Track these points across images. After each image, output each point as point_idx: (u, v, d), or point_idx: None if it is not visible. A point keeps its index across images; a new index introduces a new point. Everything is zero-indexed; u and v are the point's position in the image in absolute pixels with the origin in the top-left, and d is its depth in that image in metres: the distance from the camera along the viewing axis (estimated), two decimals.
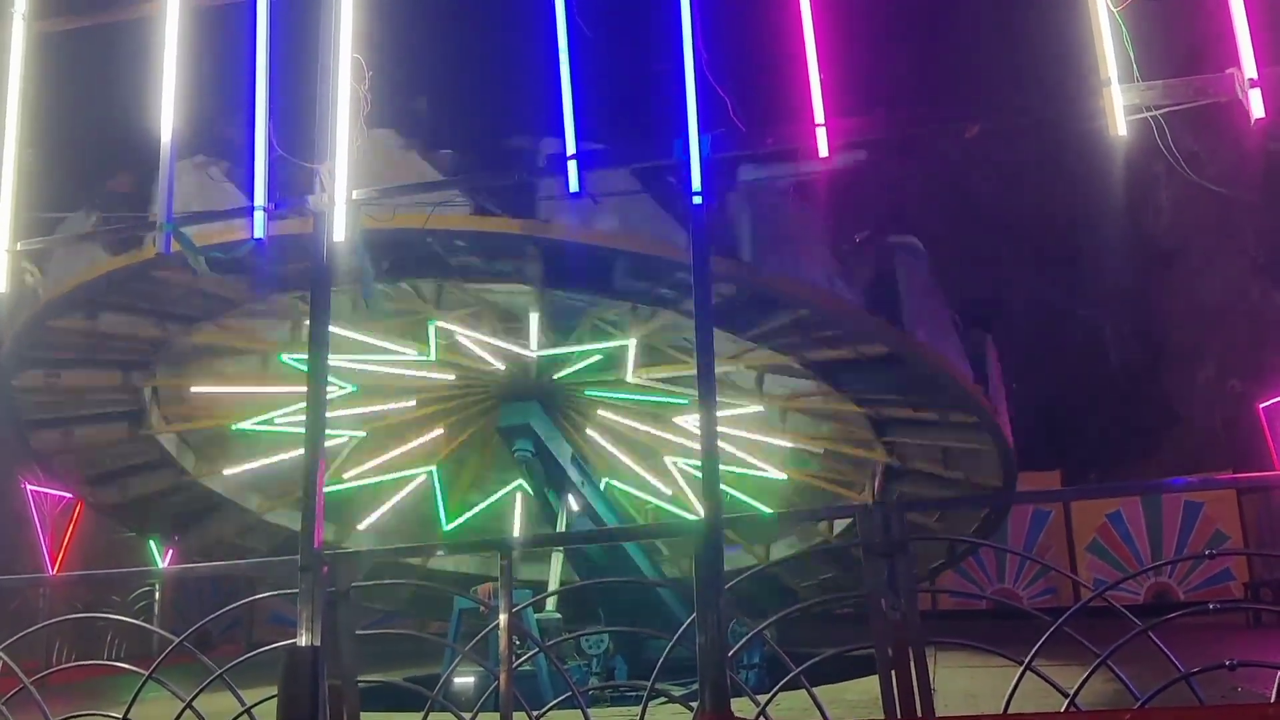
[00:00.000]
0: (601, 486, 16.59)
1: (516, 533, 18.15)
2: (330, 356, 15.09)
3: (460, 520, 18.44)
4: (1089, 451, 30.45)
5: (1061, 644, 7.53)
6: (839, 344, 14.06)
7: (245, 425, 16.56)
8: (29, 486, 22.59)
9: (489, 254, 12.82)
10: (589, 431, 17.56)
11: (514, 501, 18.54)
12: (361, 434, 17.40)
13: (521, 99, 12.55)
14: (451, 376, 16.18)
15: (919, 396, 15.06)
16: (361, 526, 18.56)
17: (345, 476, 17.49)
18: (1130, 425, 32.51)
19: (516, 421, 14.99)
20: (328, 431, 16.59)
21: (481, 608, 12.79)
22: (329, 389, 16.00)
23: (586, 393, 16.73)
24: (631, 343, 15.06)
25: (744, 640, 9.81)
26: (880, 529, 7.61)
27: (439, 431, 17.41)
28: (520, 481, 17.88)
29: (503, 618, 8.32)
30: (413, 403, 17.06)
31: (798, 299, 12.97)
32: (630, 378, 15.59)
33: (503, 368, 15.58)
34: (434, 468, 18.07)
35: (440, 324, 14.84)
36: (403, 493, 18.42)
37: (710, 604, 7.31)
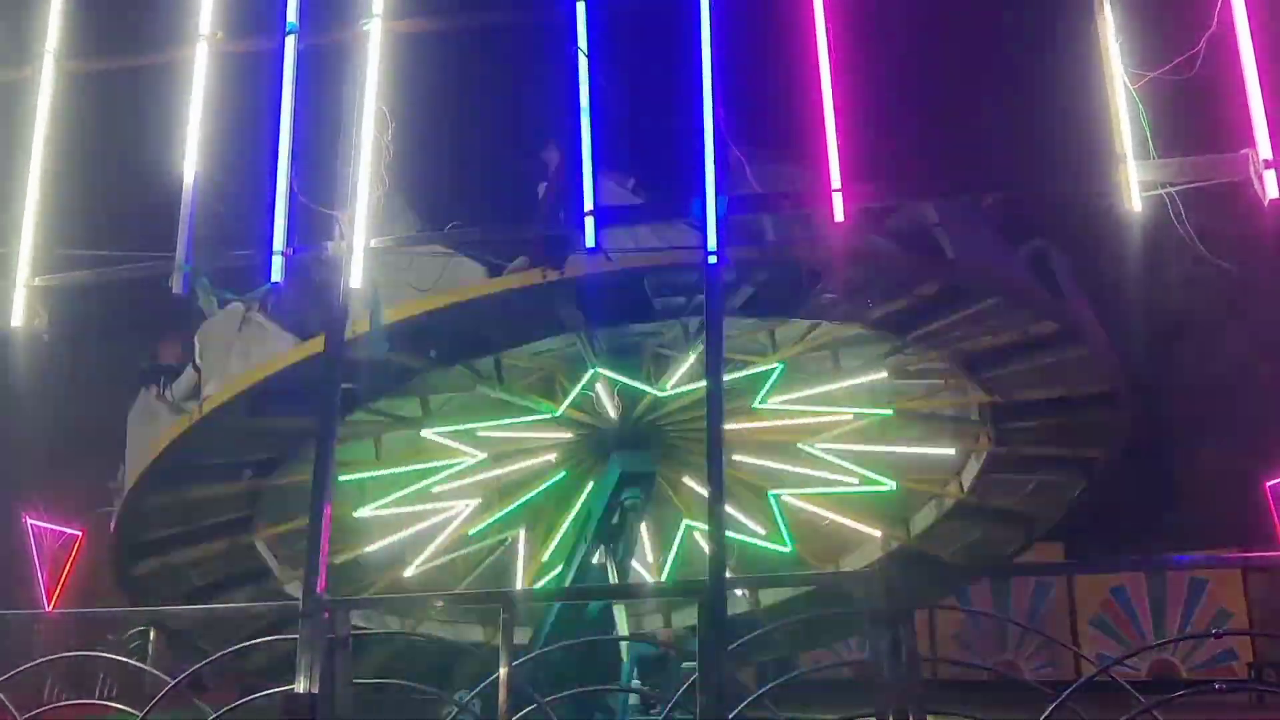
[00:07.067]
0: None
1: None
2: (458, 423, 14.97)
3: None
4: (1092, 525, 30.18)
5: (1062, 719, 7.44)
6: (1001, 331, 14.13)
7: (363, 513, 15.67)
8: (30, 521, 22.43)
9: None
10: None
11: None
12: (475, 501, 16.83)
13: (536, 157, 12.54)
14: (569, 434, 15.79)
15: (1060, 374, 15.23)
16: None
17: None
18: (1135, 500, 32.28)
19: (639, 469, 14.56)
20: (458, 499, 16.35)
21: (670, 651, 12.78)
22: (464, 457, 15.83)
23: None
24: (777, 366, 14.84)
25: (744, 704, 9.68)
26: (882, 595, 7.55)
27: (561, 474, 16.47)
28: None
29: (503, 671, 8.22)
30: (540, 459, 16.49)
31: (1001, 288, 13.30)
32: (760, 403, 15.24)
33: (615, 416, 15.15)
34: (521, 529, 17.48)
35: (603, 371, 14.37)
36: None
37: (713, 665, 7.25)
